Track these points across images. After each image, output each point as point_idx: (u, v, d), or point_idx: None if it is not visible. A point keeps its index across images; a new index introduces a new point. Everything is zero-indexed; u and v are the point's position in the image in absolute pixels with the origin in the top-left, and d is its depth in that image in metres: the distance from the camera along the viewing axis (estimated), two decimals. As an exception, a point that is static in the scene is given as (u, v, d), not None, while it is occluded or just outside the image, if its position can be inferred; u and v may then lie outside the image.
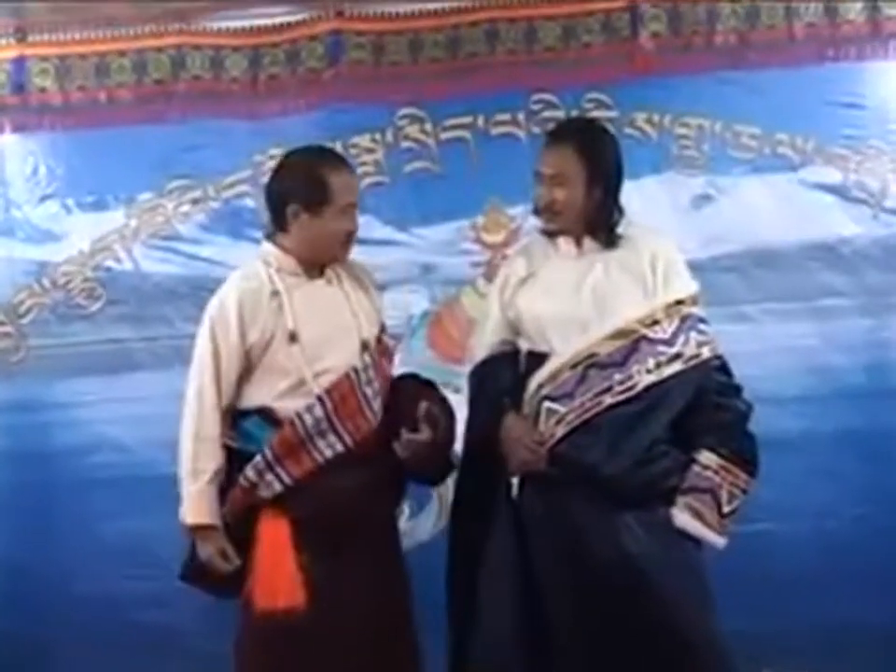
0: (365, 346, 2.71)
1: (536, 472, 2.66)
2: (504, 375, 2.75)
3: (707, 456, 2.62)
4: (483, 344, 2.84)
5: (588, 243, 2.73)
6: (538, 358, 2.70)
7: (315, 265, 2.72)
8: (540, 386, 2.66)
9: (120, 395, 3.87)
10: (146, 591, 3.76)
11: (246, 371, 2.67)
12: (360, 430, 2.68)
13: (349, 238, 2.73)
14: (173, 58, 3.91)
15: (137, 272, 3.94)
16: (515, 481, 2.73)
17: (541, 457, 2.64)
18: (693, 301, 2.69)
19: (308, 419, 2.63)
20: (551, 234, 2.76)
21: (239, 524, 2.66)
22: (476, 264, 3.89)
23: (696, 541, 2.65)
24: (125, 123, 3.89)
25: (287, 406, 2.65)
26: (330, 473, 2.64)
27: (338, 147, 3.74)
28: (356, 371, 2.68)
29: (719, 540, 2.65)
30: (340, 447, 2.65)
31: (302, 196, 2.65)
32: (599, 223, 2.71)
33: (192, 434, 2.66)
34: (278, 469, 2.63)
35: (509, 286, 2.79)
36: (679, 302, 2.66)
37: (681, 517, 2.61)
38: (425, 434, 2.68)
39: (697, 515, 2.60)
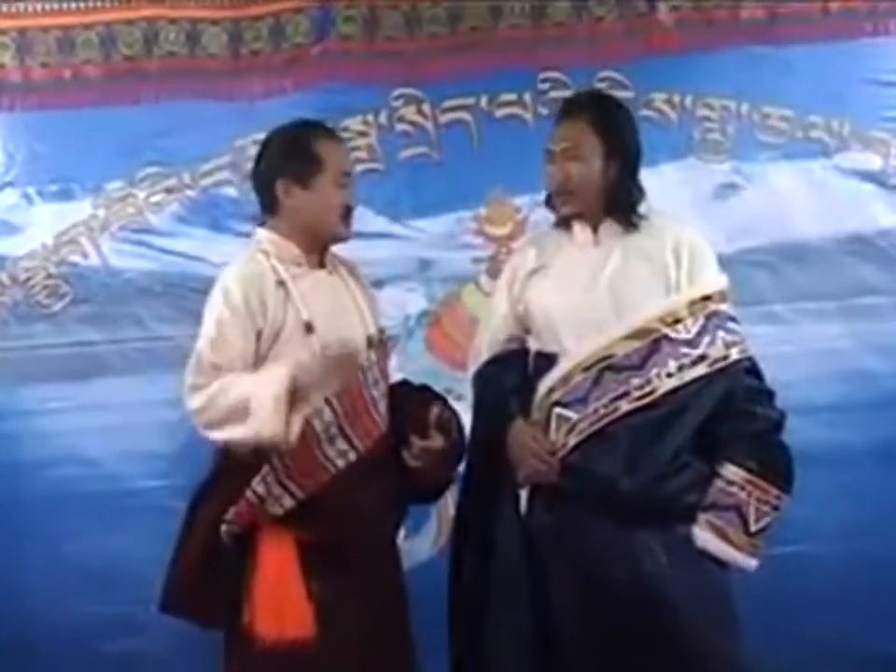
0: (370, 343, 2.67)
1: (546, 484, 2.61)
2: (511, 377, 2.70)
3: (731, 470, 2.54)
4: (488, 343, 2.79)
5: (605, 229, 2.65)
6: (547, 360, 2.63)
7: (316, 248, 2.68)
8: (551, 391, 2.60)
9: (87, 402, 3.76)
10: (115, 617, 3.66)
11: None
12: (371, 436, 2.62)
13: (348, 212, 2.68)
14: (145, 32, 3.79)
15: (106, 267, 3.82)
16: (524, 493, 2.67)
17: (552, 468, 2.57)
18: (722, 297, 2.61)
19: (317, 424, 2.55)
20: (566, 219, 2.67)
21: (236, 543, 2.59)
22: (478, 259, 3.80)
23: (722, 563, 2.55)
24: (92, 104, 3.78)
25: (294, 406, 2.56)
26: (343, 486, 2.57)
27: (327, 130, 3.74)
28: (362, 369, 2.62)
29: (748, 562, 2.56)
30: (352, 455, 2.58)
31: (291, 169, 2.62)
32: (619, 203, 2.63)
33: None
34: (288, 483, 2.54)
35: (517, 278, 2.72)
36: (706, 298, 2.58)
37: (703, 536, 2.53)
38: (438, 441, 2.64)
39: (721, 534, 2.53)
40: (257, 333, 2.59)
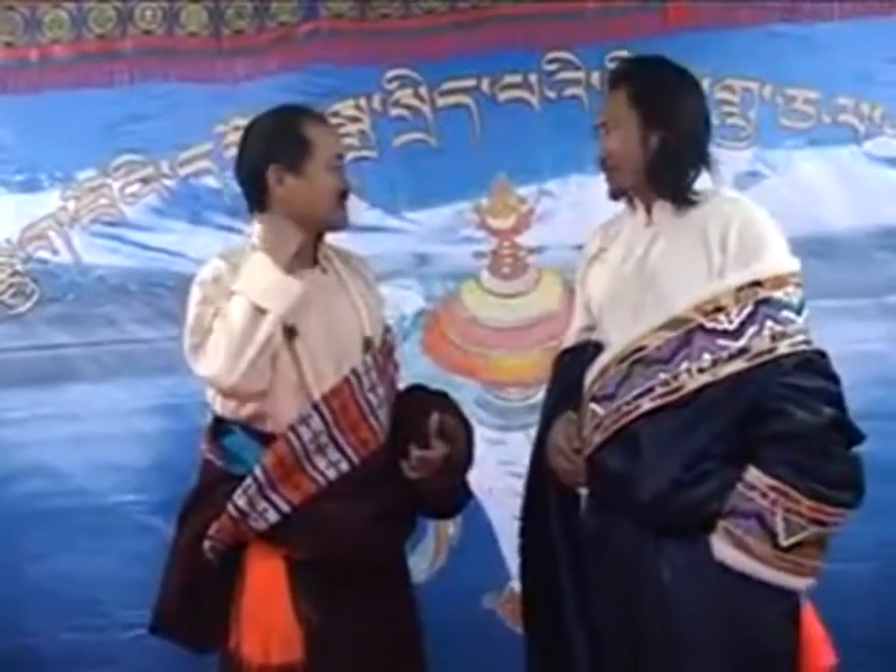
0: (367, 345, 2.64)
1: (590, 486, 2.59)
2: (579, 368, 2.63)
3: (753, 474, 2.41)
4: (570, 331, 2.79)
5: (658, 209, 2.58)
6: (599, 350, 2.59)
7: (309, 241, 2.64)
8: (592, 384, 2.55)
9: (56, 411, 3.71)
10: (87, 645, 3.63)
11: None
12: (367, 445, 2.59)
13: (343, 197, 2.65)
14: (119, 10, 3.74)
15: (77, 264, 3.76)
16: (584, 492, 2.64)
17: (577, 468, 2.55)
18: (778, 282, 2.46)
19: (305, 432, 2.53)
20: (613, 195, 2.63)
21: (223, 559, 2.57)
22: (480, 254, 3.76)
23: (766, 585, 2.42)
24: (62, 87, 3.73)
25: (278, 415, 2.55)
26: (334, 500, 2.54)
27: (316, 115, 3.71)
28: (356, 374, 2.60)
29: (784, 579, 2.42)
30: (345, 466, 2.56)
31: (281, 155, 2.59)
32: (662, 178, 2.54)
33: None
34: (272, 496, 2.53)
35: (583, 264, 2.74)
36: (756, 284, 2.45)
37: (720, 546, 2.42)
38: (438, 450, 2.59)
39: (739, 543, 2.40)
40: None
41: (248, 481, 2.52)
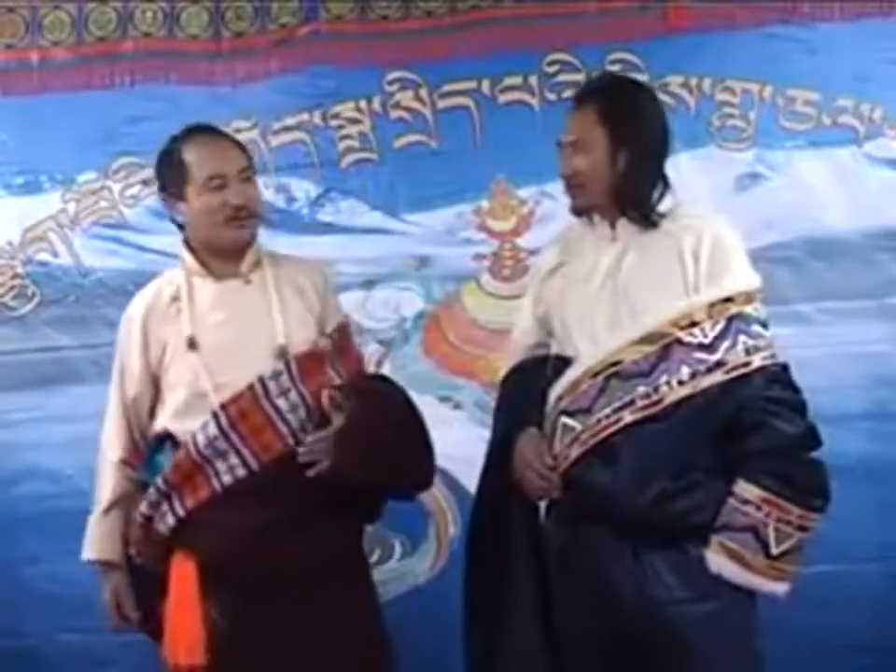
0: (282, 353, 2.64)
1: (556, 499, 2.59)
2: (535, 385, 2.65)
3: (744, 487, 2.46)
4: (514, 349, 2.79)
5: (623, 224, 2.60)
6: (565, 364, 2.58)
7: (222, 256, 2.69)
8: (560, 398, 2.56)
9: (56, 413, 3.71)
10: (85, 647, 3.62)
11: (156, 390, 2.69)
12: (270, 450, 2.60)
13: (234, 214, 2.65)
14: (119, 12, 3.75)
15: (77, 266, 3.77)
16: (543, 504, 2.66)
17: (552, 485, 2.56)
18: (747, 298, 2.54)
19: (200, 438, 2.59)
20: (577, 212, 2.65)
21: (158, 566, 2.65)
22: (480, 256, 3.76)
23: (745, 590, 2.48)
24: (62, 89, 3.74)
25: (185, 426, 2.62)
26: (234, 505, 2.58)
27: (316, 117, 3.70)
28: (262, 380, 2.62)
29: (774, 587, 2.48)
30: (241, 471, 2.59)
31: (167, 182, 2.70)
32: (630, 198, 2.57)
33: (99, 458, 2.74)
34: (172, 499, 2.61)
35: (539, 277, 2.74)
36: (727, 300, 2.50)
37: (716, 560, 2.47)
38: (334, 424, 2.56)
39: (735, 557, 2.46)
40: (145, 365, 2.69)
41: (151, 488, 2.62)
